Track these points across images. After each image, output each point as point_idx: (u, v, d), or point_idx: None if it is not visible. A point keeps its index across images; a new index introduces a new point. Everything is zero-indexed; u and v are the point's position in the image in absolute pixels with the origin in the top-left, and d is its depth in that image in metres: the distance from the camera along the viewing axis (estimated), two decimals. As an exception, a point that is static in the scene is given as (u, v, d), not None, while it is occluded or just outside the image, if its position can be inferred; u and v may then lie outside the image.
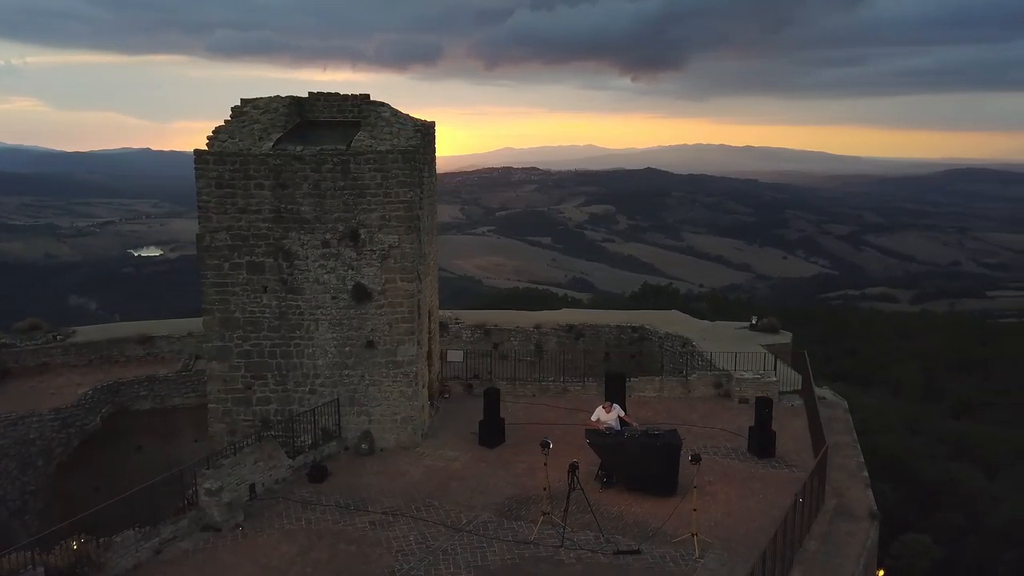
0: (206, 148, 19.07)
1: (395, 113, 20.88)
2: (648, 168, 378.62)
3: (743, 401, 22.72)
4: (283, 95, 21.05)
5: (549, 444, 15.46)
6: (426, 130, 21.43)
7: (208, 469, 16.12)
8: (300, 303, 19.32)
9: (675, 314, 35.18)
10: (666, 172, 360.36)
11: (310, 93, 21.59)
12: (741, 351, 25.35)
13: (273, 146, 19.12)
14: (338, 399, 19.59)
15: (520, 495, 17.28)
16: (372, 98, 21.16)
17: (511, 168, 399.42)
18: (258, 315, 19.31)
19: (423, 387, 20.68)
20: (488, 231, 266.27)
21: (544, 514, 15.60)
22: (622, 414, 18.16)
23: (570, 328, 31.70)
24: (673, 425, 19.11)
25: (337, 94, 21.58)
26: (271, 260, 19.16)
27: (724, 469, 18.29)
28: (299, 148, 19.01)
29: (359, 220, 19.12)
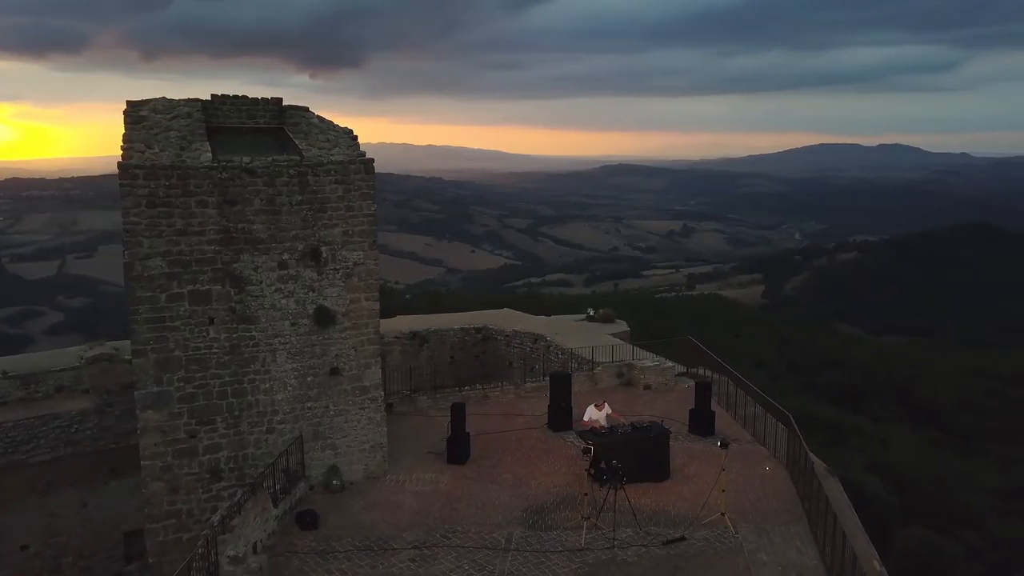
0: (123, 161, 16.14)
1: (322, 119, 19.34)
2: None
3: (647, 388, 24.63)
4: (187, 98, 18.42)
5: (592, 450, 15.78)
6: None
7: (225, 534, 13.90)
8: (254, 333, 17.19)
9: (508, 312, 36.32)
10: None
11: (213, 96, 19.13)
12: (594, 343, 27.11)
13: (214, 157, 16.72)
14: (301, 435, 17.79)
15: (532, 505, 17.28)
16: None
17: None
18: (204, 351, 16.80)
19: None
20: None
21: (585, 519, 15.87)
22: (610, 411, 18.90)
23: (414, 335, 31.43)
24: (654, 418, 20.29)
25: (245, 97, 19.42)
26: (219, 287, 16.77)
27: (687, 451, 19.88)
28: (247, 159, 16.85)
29: (320, 237, 17.52)
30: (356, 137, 18.98)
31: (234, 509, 14.78)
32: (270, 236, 17.06)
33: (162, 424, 16.67)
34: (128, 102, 17.80)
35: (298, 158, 17.35)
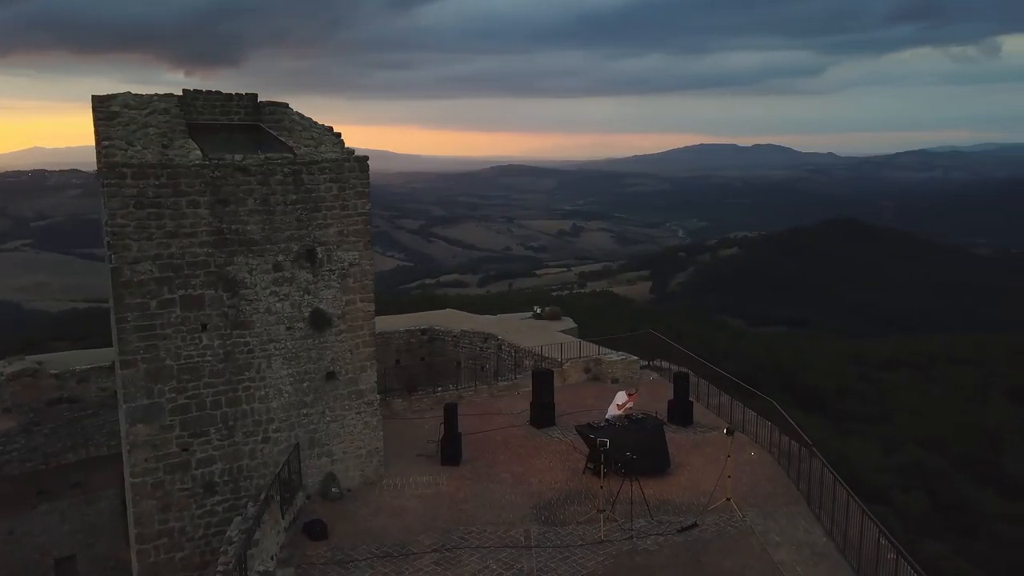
0: (106, 159, 15.09)
1: (303, 116, 18.67)
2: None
3: (615, 381, 25.05)
4: (160, 93, 17.41)
5: (607, 444, 15.95)
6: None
7: (251, 549, 13.21)
8: (249, 339, 16.40)
9: (452, 312, 36.13)
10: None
11: (185, 91, 18.15)
12: (545, 341, 27.40)
13: (204, 155, 15.83)
14: (298, 443, 17.11)
15: (540, 502, 17.29)
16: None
17: (45, 171, 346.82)
18: (196, 359, 15.89)
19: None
20: (23, 246, 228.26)
21: (600, 512, 16.04)
22: (630, 404, 19.14)
23: (359, 338, 30.70)
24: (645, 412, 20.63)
25: (219, 92, 18.52)
26: (212, 292, 15.90)
27: (673, 441, 20.30)
28: (240, 157, 16.05)
29: (315, 237, 16.91)
30: (340, 134, 18.43)
31: (254, 523, 14.05)
32: (264, 237, 16.33)
33: (153, 438, 15.65)
34: (95, 97, 16.69)
35: (291, 155, 16.69)
